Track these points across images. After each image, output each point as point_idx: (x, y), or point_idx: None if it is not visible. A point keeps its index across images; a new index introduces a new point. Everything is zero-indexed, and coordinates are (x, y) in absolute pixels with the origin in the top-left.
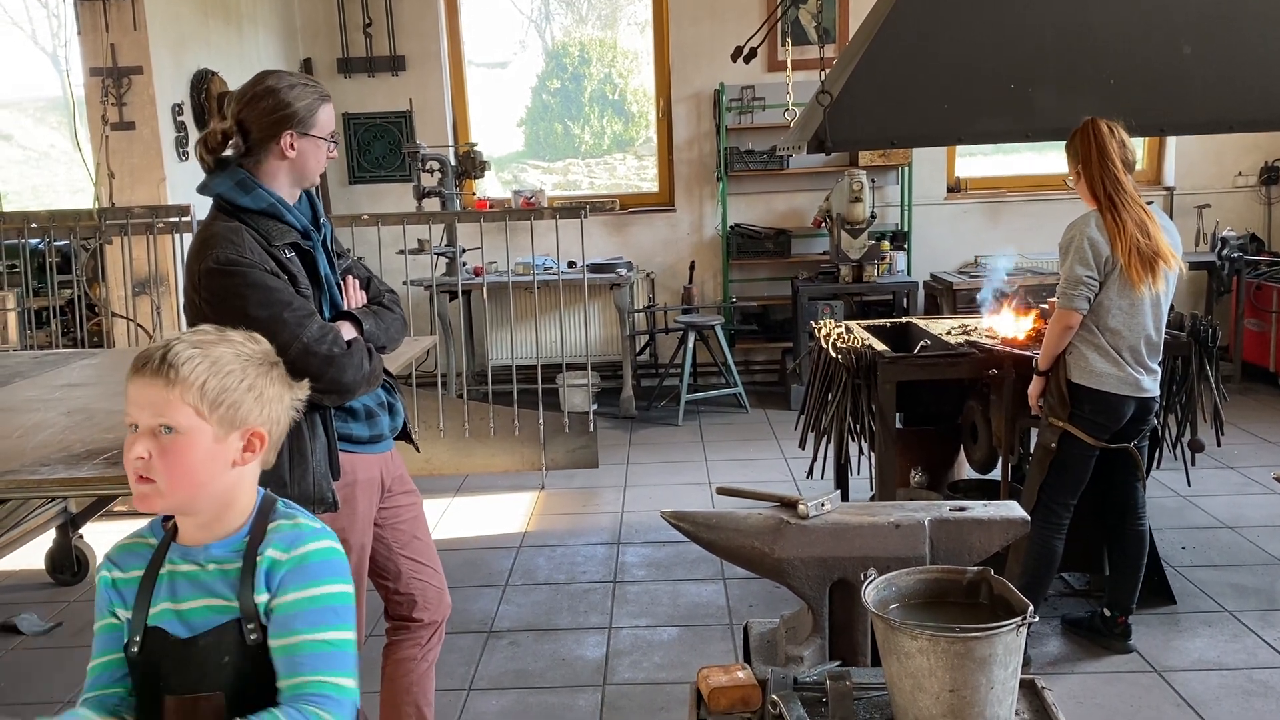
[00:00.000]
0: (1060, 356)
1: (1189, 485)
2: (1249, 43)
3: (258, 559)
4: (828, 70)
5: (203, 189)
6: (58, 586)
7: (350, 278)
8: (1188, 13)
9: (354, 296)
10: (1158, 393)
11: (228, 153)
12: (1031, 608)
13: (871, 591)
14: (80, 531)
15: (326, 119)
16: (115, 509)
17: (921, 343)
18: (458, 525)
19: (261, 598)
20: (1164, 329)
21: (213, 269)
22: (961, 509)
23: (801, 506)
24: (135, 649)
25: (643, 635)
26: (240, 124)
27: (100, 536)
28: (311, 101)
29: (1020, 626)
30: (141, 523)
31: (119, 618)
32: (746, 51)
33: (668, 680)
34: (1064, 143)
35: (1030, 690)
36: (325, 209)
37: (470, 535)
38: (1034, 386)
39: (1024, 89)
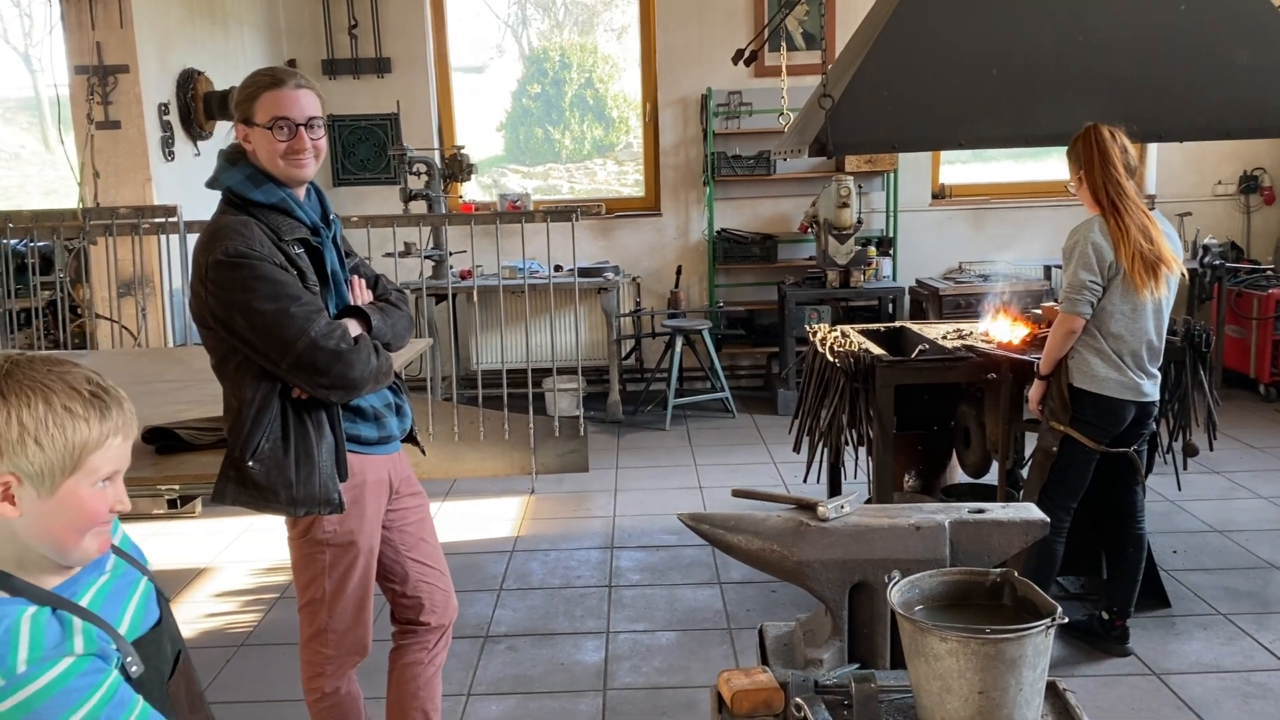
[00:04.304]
0: (1062, 361)
1: (1179, 490)
2: (1242, 51)
3: (116, 543)
4: (823, 74)
5: (212, 183)
6: None
7: (356, 276)
8: (1184, 21)
9: (360, 295)
10: (1158, 397)
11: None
12: (1060, 609)
13: (896, 593)
14: None
15: (267, 106)
16: None
17: (920, 346)
18: (449, 529)
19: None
20: (1165, 334)
21: (221, 260)
22: (980, 511)
23: (821, 508)
24: (136, 669)
25: (641, 640)
26: None
27: None
28: (254, 90)
29: (1050, 628)
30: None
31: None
32: (747, 54)
33: (669, 685)
34: (1060, 148)
35: (1052, 692)
36: None
37: (462, 539)
38: (1035, 390)
39: (1024, 94)
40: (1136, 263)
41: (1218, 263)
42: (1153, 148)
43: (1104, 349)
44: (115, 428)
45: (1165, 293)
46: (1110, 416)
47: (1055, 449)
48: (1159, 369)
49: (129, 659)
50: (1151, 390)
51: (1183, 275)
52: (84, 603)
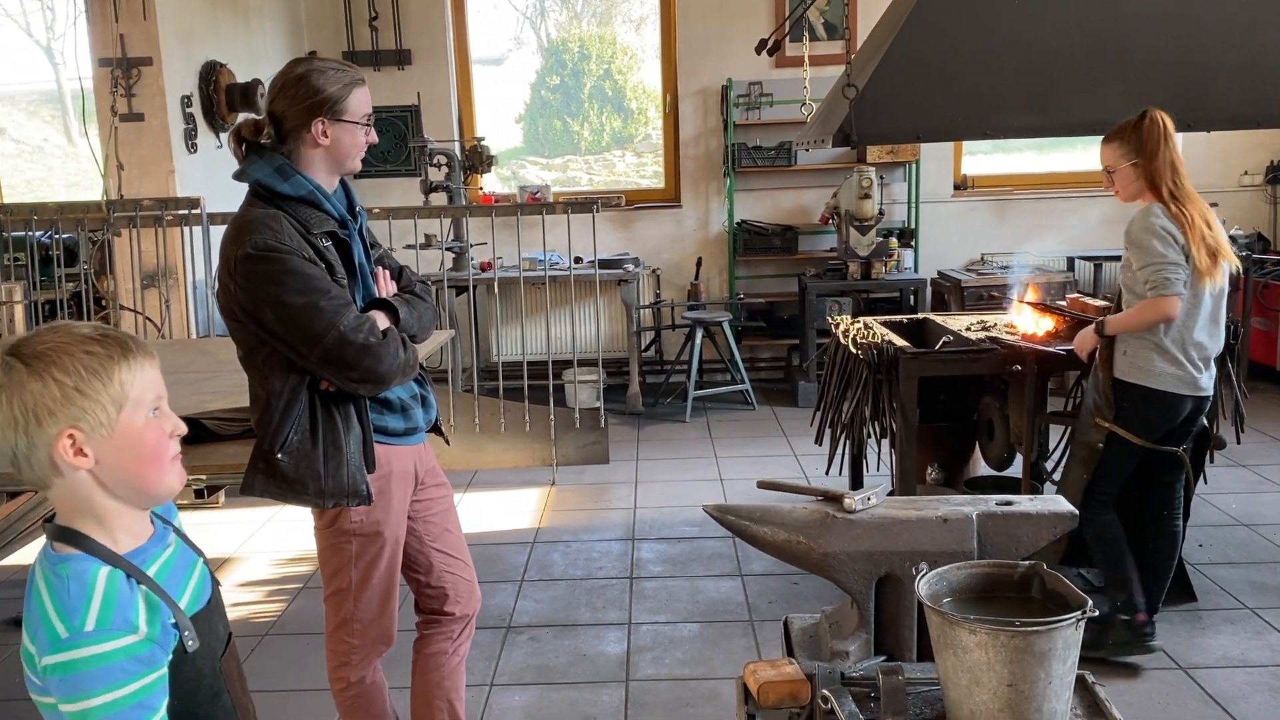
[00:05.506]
0: (1108, 354)
1: (1205, 483)
2: (1273, 38)
3: (167, 521)
4: (846, 65)
5: (240, 175)
6: None
7: (381, 268)
8: (1212, 8)
9: (385, 287)
10: (1212, 391)
11: (263, 142)
12: (1090, 602)
13: (924, 585)
14: None
15: (359, 103)
16: None
17: (944, 338)
18: (470, 520)
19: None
20: (1223, 323)
21: (250, 254)
22: (1008, 503)
23: (848, 500)
24: (193, 643)
25: (663, 631)
26: (273, 114)
27: None
28: (342, 87)
29: (1080, 620)
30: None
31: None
32: (771, 44)
33: (691, 676)
34: (1086, 139)
35: (1082, 685)
36: None
37: (483, 530)
38: (1085, 340)
39: (1050, 83)
40: (1203, 250)
41: (1244, 254)
42: (1178, 137)
43: (1163, 343)
44: (139, 356)
45: (1223, 282)
46: (1165, 412)
47: (1101, 445)
48: (1216, 361)
49: (186, 633)
50: (1207, 384)
51: (1234, 266)
52: (150, 573)
